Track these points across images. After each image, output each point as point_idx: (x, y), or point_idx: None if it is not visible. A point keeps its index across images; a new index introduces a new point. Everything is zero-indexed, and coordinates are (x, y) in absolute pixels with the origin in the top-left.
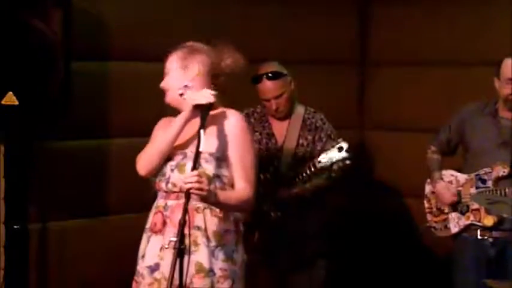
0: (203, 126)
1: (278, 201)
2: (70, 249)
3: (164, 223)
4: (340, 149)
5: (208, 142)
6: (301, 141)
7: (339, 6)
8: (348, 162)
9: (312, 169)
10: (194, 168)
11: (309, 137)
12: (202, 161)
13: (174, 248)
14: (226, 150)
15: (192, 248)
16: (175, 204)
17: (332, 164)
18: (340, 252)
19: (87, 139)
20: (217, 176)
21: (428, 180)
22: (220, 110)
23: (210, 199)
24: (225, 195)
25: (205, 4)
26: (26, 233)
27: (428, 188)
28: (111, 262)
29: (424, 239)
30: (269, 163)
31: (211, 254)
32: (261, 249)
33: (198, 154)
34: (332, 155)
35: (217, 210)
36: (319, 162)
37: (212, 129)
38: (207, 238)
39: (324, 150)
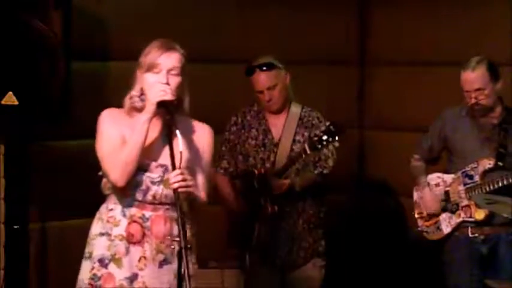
0: (175, 125)
1: (274, 195)
2: (70, 249)
3: (143, 235)
4: (329, 130)
5: (183, 155)
6: (297, 137)
7: (338, 6)
8: (336, 144)
9: (303, 155)
10: (175, 167)
11: (305, 134)
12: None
13: (180, 248)
14: (196, 161)
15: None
16: (154, 216)
17: (322, 145)
18: (339, 251)
19: (87, 139)
20: None
21: (416, 187)
22: (191, 120)
23: (195, 193)
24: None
25: (205, 4)
26: (26, 233)
27: (416, 195)
28: None
29: (422, 239)
30: (266, 158)
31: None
32: (259, 246)
33: (178, 154)
34: (322, 137)
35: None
36: (311, 144)
37: (186, 142)
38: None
39: (314, 135)
